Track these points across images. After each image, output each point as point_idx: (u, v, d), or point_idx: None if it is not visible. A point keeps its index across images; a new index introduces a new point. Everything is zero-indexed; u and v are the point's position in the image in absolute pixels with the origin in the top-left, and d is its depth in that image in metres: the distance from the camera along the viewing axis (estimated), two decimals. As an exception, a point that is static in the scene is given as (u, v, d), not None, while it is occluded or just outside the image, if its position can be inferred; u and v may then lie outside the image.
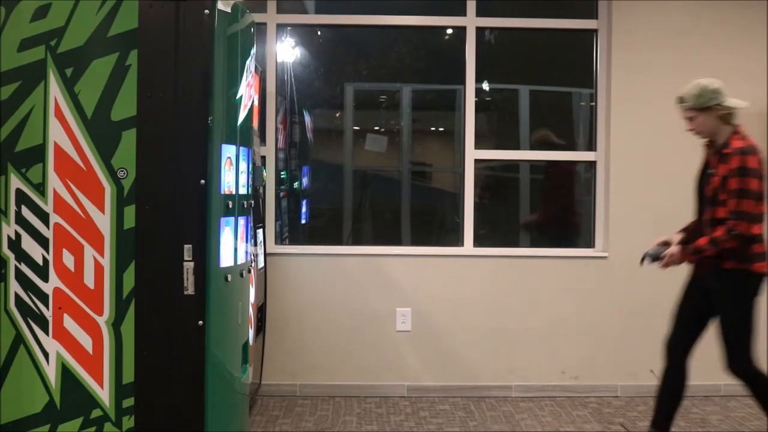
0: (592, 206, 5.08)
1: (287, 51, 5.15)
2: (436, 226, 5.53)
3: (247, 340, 3.51)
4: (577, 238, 5.41)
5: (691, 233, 3.66)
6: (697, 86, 3.54)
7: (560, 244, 5.33)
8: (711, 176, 3.52)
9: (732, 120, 3.53)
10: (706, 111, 3.51)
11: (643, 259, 3.71)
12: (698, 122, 3.54)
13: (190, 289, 2.90)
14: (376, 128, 5.44)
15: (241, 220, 3.22)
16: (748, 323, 3.55)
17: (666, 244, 3.70)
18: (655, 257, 3.66)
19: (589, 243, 5.11)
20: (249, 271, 3.49)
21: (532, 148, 5.26)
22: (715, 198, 3.48)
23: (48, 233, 2.93)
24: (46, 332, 2.94)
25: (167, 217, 2.91)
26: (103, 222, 2.92)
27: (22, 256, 2.94)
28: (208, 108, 2.92)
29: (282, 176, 5.18)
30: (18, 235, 2.94)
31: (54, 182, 2.92)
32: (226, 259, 3.05)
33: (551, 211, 5.43)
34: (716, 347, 4.91)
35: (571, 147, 5.30)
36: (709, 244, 3.44)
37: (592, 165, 5.09)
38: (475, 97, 5.04)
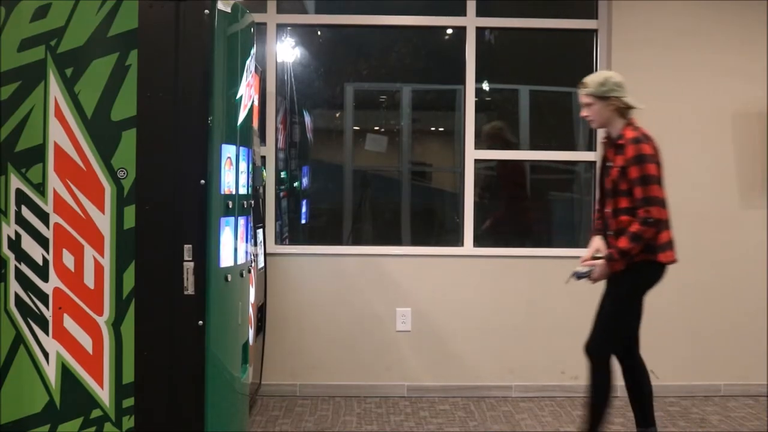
0: (592, 206, 5.08)
1: (287, 51, 5.15)
2: (436, 226, 5.53)
3: (247, 340, 3.51)
4: (534, 238, 5.41)
5: (603, 233, 3.68)
6: (602, 75, 3.64)
7: (521, 243, 5.32)
8: (610, 168, 3.57)
9: (627, 115, 3.60)
10: (604, 100, 3.58)
11: (571, 278, 3.68)
12: (594, 110, 3.61)
13: (190, 289, 2.90)
14: (376, 128, 5.44)
15: (241, 220, 3.22)
16: (629, 312, 3.62)
17: (594, 257, 3.70)
18: (583, 275, 3.64)
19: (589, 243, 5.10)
20: (249, 271, 3.49)
21: (484, 141, 5.26)
22: (615, 189, 3.53)
23: (48, 233, 2.93)
24: (46, 332, 2.94)
25: (167, 217, 2.91)
26: (103, 222, 2.92)
27: (22, 256, 2.94)
28: (208, 108, 2.92)
29: (282, 176, 5.18)
30: (18, 235, 2.94)
31: (54, 182, 2.92)
32: (226, 259, 3.05)
33: (504, 210, 5.40)
34: (716, 348, 4.93)
35: (571, 147, 5.30)
36: (631, 242, 3.44)
37: (592, 165, 5.09)
38: (475, 97, 5.03)
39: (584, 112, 3.65)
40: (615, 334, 3.63)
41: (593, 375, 3.59)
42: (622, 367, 3.72)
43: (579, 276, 3.64)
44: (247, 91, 3.26)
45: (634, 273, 3.53)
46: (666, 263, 3.55)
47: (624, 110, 3.59)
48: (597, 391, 3.58)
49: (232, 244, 3.11)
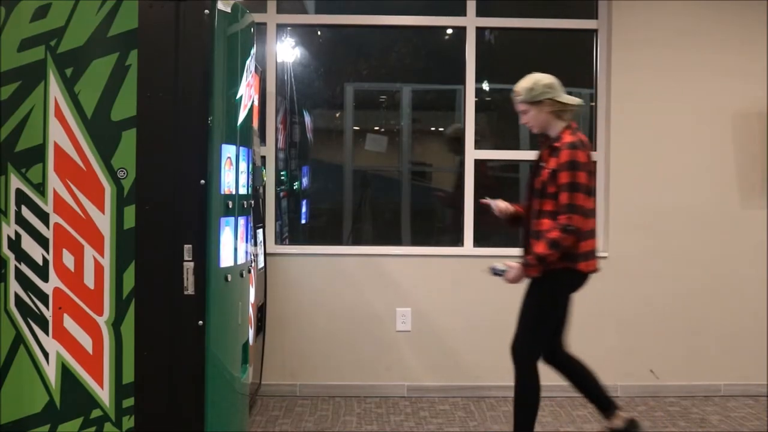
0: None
1: (287, 51, 5.15)
2: (436, 226, 5.52)
3: (247, 340, 3.51)
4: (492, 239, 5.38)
5: (523, 221, 3.68)
6: (530, 80, 3.58)
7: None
8: (541, 169, 3.54)
9: (565, 116, 3.57)
10: (537, 105, 3.55)
11: (491, 271, 3.64)
12: (530, 115, 3.59)
13: (190, 289, 2.90)
14: (376, 128, 5.44)
15: (241, 220, 3.22)
16: (549, 316, 3.60)
17: (512, 215, 3.72)
18: (498, 273, 3.60)
19: (589, 243, 5.10)
20: (249, 271, 3.49)
21: (446, 144, 5.20)
22: (543, 190, 3.50)
23: (48, 233, 2.93)
24: (46, 332, 2.94)
25: (167, 217, 2.91)
26: (103, 222, 2.92)
27: (22, 256, 2.94)
28: (208, 108, 2.92)
29: (282, 176, 5.18)
30: (18, 235, 2.94)
31: (54, 182, 2.92)
32: (226, 259, 3.05)
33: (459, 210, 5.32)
34: (716, 348, 4.94)
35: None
36: (549, 248, 3.41)
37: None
38: (475, 97, 5.04)
39: (523, 120, 3.64)
40: (539, 339, 3.60)
41: (520, 379, 3.57)
42: (558, 369, 3.72)
43: (495, 272, 3.61)
44: (247, 91, 3.26)
45: (553, 280, 3.51)
46: (587, 272, 3.53)
47: (560, 111, 3.56)
48: (524, 394, 3.57)
49: (232, 244, 3.11)
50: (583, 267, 3.51)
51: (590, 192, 3.50)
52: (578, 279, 3.55)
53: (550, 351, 3.69)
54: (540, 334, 3.60)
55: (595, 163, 3.55)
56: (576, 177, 3.41)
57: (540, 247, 3.43)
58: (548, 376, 4.90)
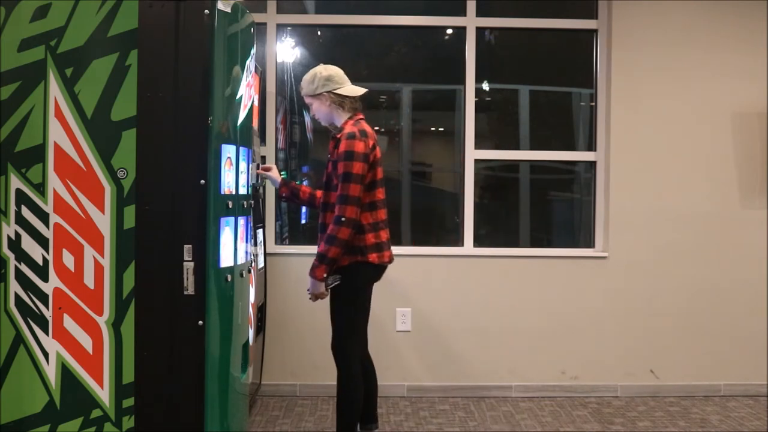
0: (592, 206, 5.08)
1: (287, 51, 5.15)
2: (436, 226, 5.52)
3: (247, 340, 3.51)
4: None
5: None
6: (311, 73, 3.59)
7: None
8: (328, 162, 3.56)
9: (349, 107, 3.58)
10: (318, 97, 3.57)
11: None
12: (314, 108, 3.63)
13: (190, 289, 2.90)
14: (376, 128, 5.43)
15: (241, 220, 3.22)
16: (355, 311, 3.58)
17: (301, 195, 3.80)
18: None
19: (589, 243, 5.11)
20: (249, 271, 3.49)
21: None
22: (329, 183, 3.52)
23: (48, 233, 2.93)
24: (46, 332, 2.94)
25: (167, 217, 2.91)
26: (103, 222, 2.92)
27: (22, 256, 2.94)
28: (208, 108, 2.92)
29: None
30: (18, 235, 2.94)
31: (54, 182, 2.92)
32: (226, 259, 3.05)
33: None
34: (716, 348, 4.94)
35: (571, 147, 5.30)
36: (326, 244, 3.39)
37: (592, 165, 5.09)
38: (475, 97, 5.04)
39: (310, 113, 3.65)
40: (353, 335, 3.59)
41: (341, 379, 3.56)
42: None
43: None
44: (247, 91, 3.26)
45: (347, 276, 3.48)
46: (379, 264, 3.52)
47: (342, 103, 3.56)
48: (346, 394, 3.54)
49: (232, 244, 3.11)
50: (375, 259, 3.48)
51: (374, 183, 3.49)
52: (371, 271, 3.54)
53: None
54: (352, 330, 3.58)
55: (375, 154, 3.48)
56: (351, 167, 3.39)
57: (320, 246, 3.42)
58: (551, 377, 4.92)
